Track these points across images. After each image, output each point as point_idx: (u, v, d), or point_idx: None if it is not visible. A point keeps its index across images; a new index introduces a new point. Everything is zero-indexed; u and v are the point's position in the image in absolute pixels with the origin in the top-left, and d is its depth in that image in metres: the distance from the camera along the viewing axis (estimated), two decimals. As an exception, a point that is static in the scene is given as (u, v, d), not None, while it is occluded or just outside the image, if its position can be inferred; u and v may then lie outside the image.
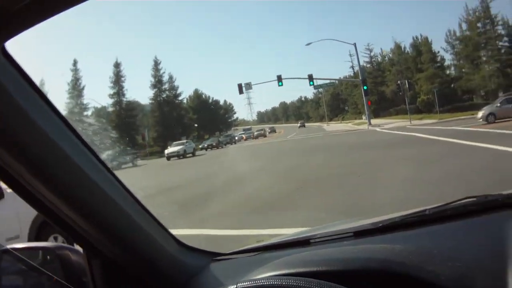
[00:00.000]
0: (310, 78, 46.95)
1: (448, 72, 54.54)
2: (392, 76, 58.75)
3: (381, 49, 78.10)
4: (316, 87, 62.67)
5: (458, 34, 51.86)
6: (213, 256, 1.63)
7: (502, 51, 47.80)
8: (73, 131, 1.14)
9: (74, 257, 1.43)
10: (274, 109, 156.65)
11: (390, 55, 62.76)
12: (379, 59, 67.19)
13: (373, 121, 47.35)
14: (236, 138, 68.19)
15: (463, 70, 51.70)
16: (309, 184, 11.27)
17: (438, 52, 55.16)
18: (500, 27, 48.68)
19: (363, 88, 45.29)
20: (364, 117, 53.23)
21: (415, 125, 34.55)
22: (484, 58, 48.86)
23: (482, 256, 1.28)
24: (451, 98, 47.88)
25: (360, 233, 1.60)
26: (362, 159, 14.82)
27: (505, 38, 48.45)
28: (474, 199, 1.60)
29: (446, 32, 55.54)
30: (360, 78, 47.57)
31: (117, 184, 1.28)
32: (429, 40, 55.42)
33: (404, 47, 60.11)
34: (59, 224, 1.22)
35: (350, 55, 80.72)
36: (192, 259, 1.54)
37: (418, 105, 49.47)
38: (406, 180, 9.34)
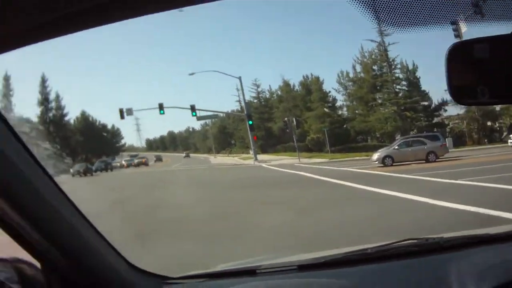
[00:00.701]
0: (193, 109, 45.71)
1: (340, 112, 53.44)
2: (280, 113, 57.11)
3: (269, 85, 76.20)
4: (199, 119, 58.67)
5: (351, 75, 50.95)
6: (163, 279, 1.66)
7: (400, 94, 47.41)
8: (31, 155, 1.20)
9: (31, 271, 1.39)
10: (162, 137, 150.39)
11: (279, 92, 61.05)
12: (267, 95, 65.38)
13: (261, 156, 46.54)
14: (119, 164, 63.71)
15: (357, 111, 50.64)
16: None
17: (329, 92, 53.86)
18: (398, 71, 48.51)
19: (248, 123, 45.01)
20: (251, 152, 49.79)
21: (304, 163, 34.01)
22: (380, 101, 48.13)
23: None
24: (343, 138, 46.89)
25: (304, 267, 1.66)
26: (237, 198, 14.02)
27: (404, 82, 48.40)
28: (415, 240, 1.74)
29: (338, 73, 53.74)
30: (245, 112, 47.26)
31: (71, 206, 1.35)
32: (320, 80, 53.93)
33: (294, 85, 58.43)
34: (18, 239, 1.27)
35: (237, 89, 78.16)
36: (143, 281, 1.56)
37: (308, 144, 47.95)
38: (280, 226, 8.50)
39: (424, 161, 24.30)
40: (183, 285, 1.64)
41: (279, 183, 18.07)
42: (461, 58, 1.10)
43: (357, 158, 34.71)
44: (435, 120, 48.07)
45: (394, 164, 24.22)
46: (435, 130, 42.61)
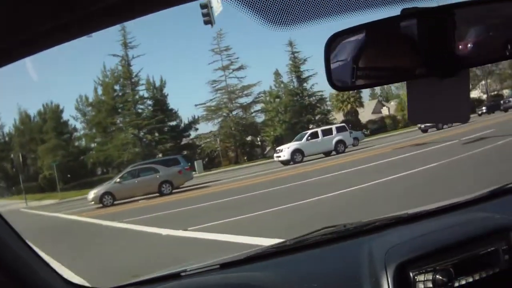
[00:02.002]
0: None
1: (77, 143, 46.33)
2: (18, 149, 47.17)
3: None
4: None
5: (91, 99, 44.28)
6: None
7: (143, 115, 42.64)
8: None
9: None
10: None
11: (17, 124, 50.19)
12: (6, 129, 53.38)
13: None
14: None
15: (96, 139, 44.36)
16: None
17: (68, 120, 46.44)
18: (143, 88, 43.98)
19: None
20: None
21: (32, 207, 27.98)
22: (120, 125, 42.83)
23: (338, 279, 1.48)
24: (81, 172, 40.16)
25: (225, 265, 1.72)
26: None
27: (149, 102, 43.91)
28: (333, 228, 1.84)
29: (76, 98, 46.65)
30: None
31: (4, 223, 1.34)
32: (61, 107, 45.89)
33: (34, 115, 48.36)
34: None
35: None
36: None
37: (41, 182, 40.42)
38: None
39: (158, 194, 19.47)
40: None
41: None
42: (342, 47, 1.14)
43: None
44: (184, 141, 45.10)
45: (115, 203, 18.86)
46: (184, 152, 39.86)
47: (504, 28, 1.10)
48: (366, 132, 40.67)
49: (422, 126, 28.59)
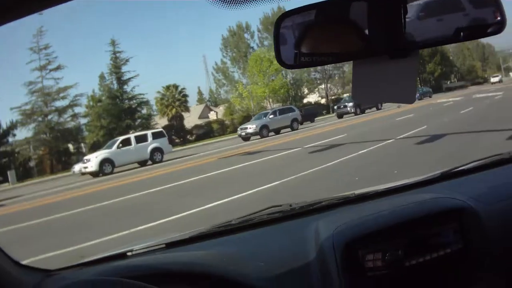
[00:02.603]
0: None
1: None
2: None
3: None
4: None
5: None
6: (46, 272, 1.66)
7: None
8: None
9: None
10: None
11: None
12: None
13: None
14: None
15: None
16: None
17: None
18: None
19: None
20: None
21: None
22: None
23: (284, 256, 1.47)
24: None
25: (171, 244, 1.73)
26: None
27: None
28: (279, 207, 1.85)
29: None
30: None
31: None
32: None
33: None
34: None
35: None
36: (28, 277, 1.56)
37: None
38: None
39: None
40: (63, 275, 1.65)
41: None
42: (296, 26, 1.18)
43: None
44: (2, 148, 40.15)
45: None
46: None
47: (455, 11, 1.14)
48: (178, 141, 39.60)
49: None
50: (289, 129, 29.35)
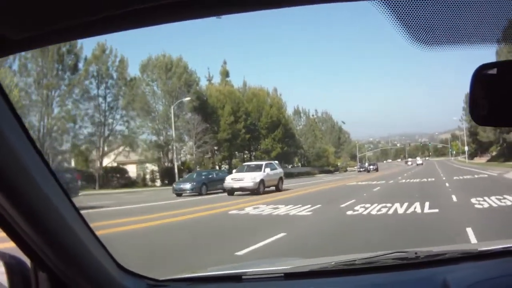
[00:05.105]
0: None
1: None
2: None
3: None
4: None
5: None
6: (149, 281, 1.66)
7: None
8: (35, 147, 1.16)
9: (20, 267, 1.37)
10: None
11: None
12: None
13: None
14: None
15: None
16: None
17: None
18: None
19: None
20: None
21: None
22: None
23: None
24: None
25: (290, 275, 1.70)
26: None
27: None
28: (404, 253, 1.76)
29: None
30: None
31: (70, 204, 1.30)
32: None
33: None
34: (10, 233, 1.21)
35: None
36: (130, 283, 1.55)
37: None
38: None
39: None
40: None
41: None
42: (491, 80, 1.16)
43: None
44: None
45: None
46: None
47: None
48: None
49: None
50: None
